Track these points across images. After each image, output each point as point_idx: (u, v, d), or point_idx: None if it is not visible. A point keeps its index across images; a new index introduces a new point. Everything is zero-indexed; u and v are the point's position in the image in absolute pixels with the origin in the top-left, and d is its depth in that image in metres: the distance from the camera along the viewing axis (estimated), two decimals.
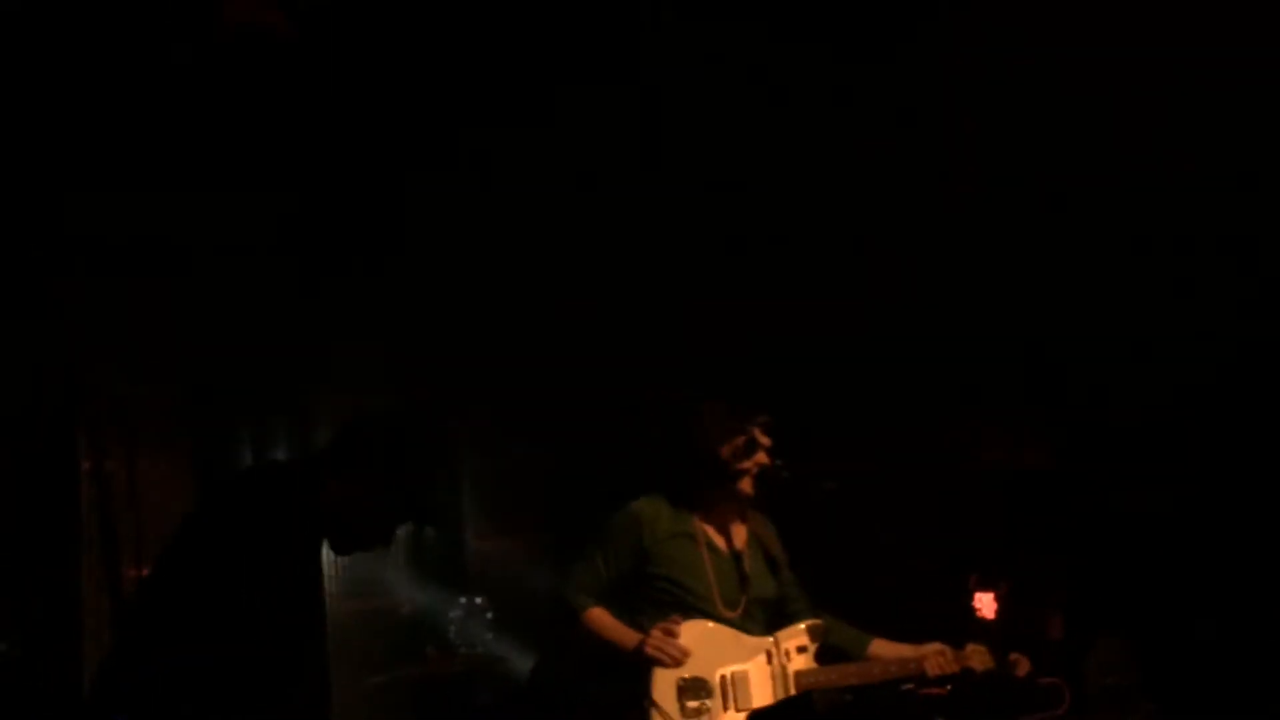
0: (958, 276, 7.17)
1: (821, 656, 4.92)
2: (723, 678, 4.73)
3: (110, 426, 6.08)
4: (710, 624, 4.78)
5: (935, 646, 4.90)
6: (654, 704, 4.61)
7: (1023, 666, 4.89)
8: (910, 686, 5.01)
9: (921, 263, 7.18)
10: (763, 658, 4.80)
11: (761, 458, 4.89)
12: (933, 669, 4.84)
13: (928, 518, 7.07)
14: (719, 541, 4.94)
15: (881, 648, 4.99)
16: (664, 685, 4.66)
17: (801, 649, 4.84)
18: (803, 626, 4.87)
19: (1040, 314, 6.99)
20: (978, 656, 4.93)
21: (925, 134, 6.49)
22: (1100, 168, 6.52)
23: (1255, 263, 6.57)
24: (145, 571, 5.71)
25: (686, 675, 4.68)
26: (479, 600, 7.23)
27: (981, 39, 5.90)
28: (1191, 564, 6.65)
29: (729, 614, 4.83)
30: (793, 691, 4.75)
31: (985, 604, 5.97)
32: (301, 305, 6.82)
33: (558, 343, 7.34)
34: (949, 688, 4.93)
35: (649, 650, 4.67)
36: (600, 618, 4.80)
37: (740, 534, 4.99)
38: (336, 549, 3.74)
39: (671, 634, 4.68)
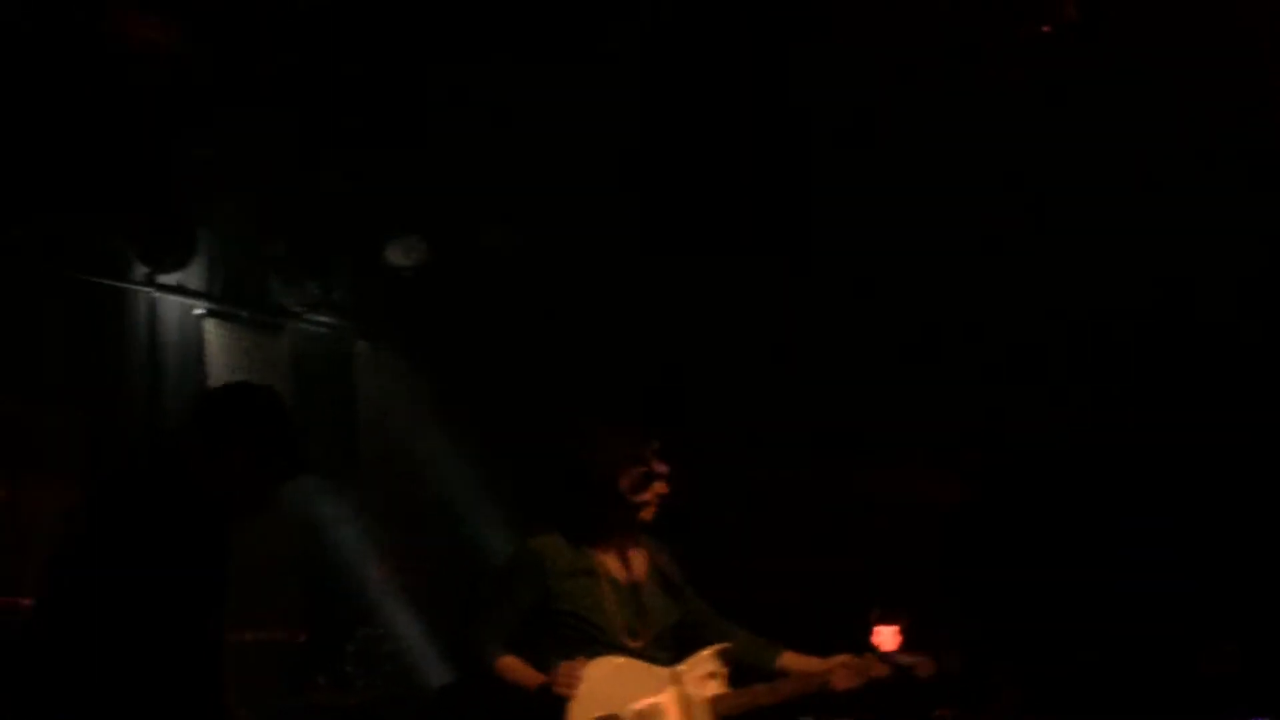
0: (873, 314, 7.24)
1: (735, 672, 4.87)
2: (637, 714, 4.68)
3: None
4: (619, 659, 4.71)
5: (842, 658, 4.83)
6: None
7: (924, 667, 4.84)
8: (809, 719, 5.00)
9: (840, 298, 7.25)
10: (673, 689, 4.74)
11: (660, 487, 4.84)
12: (839, 682, 4.79)
13: (830, 551, 7.10)
14: (619, 573, 4.88)
15: (791, 660, 4.91)
16: None
17: (712, 675, 4.78)
18: (709, 652, 4.82)
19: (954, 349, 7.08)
20: (880, 665, 4.87)
21: None
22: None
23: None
24: (26, 603, 5.58)
25: (601, 714, 4.62)
26: (378, 631, 7.15)
27: None
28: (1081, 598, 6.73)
29: (634, 645, 4.77)
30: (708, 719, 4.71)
31: (886, 637, 5.97)
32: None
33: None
34: None
35: (558, 689, 4.61)
36: (509, 665, 4.70)
37: (639, 562, 4.93)
38: (229, 519, 3.71)
39: (575, 670, 4.61)
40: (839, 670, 4.80)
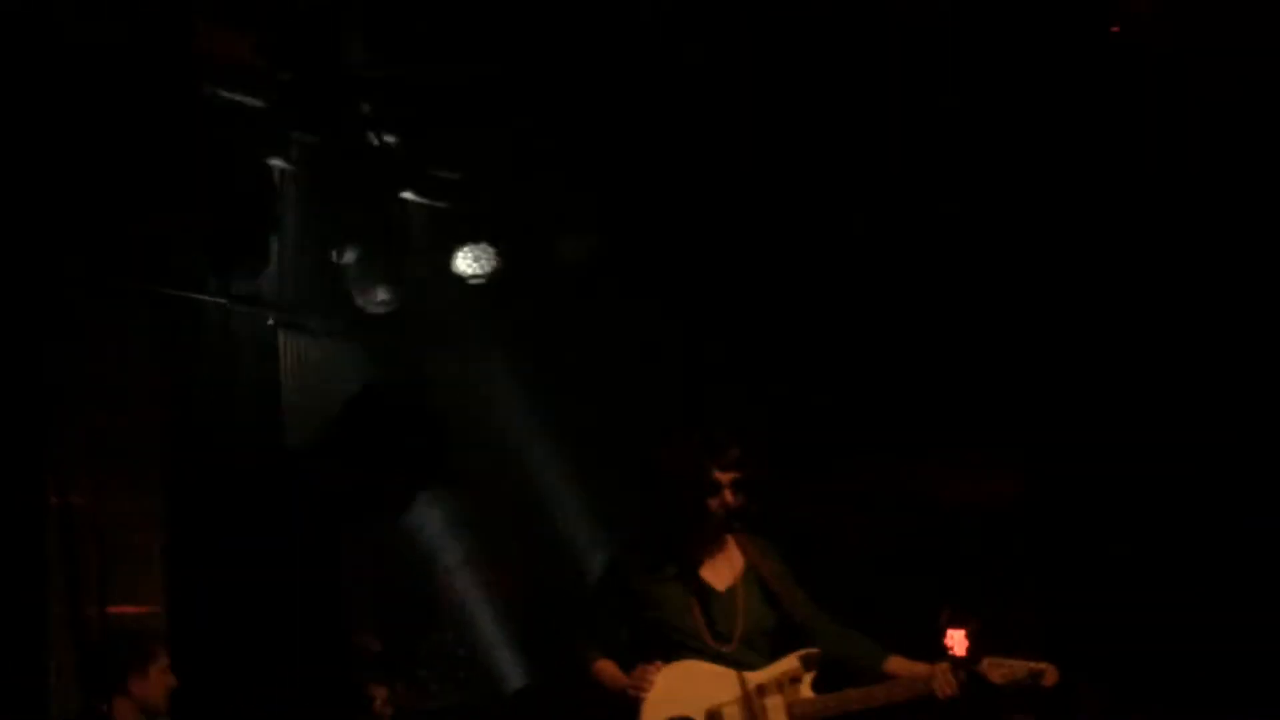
0: (933, 311, 7.22)
1: (836, 674, 4.85)
2: (709, 716, 4.72)
3: (79, 460, 6.04)
4: (698, 663, 4.78)
5: (948, 663, 4.76)
6: None
7: (1051, 675, 4.75)
8: None
9: (894, 297, 7.23)
10: (753, 693, 4.76)
11: (727, 497, 4.86)
12: (941, 689, 4.75)
13: (900, 553, 7.09)
14: (708, 577, 4.93)
15: (898, 665, 4.84)
16: None
17: (795, 679, 4.79)
18: (795, 656, 4.83)
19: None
20: (996, 670, 4.79)
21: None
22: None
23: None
24: (108, 610, 5.69)
25: (674, 716, 4.69)
26: (449, 636, 7.19)
27: None
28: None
29: (723, 649, 4.82)
30: None
31: (957, 641, 5.96)
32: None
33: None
34: None
35: (629, 690, 4.69)
36: (601, 669, 4.86)
37: (733, 565, 4.97)
38: (363, 523, 3.69)
39: (648, 673, 4.69)
40: (942, 676, 4.77)
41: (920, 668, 4.79)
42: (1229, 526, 6.72)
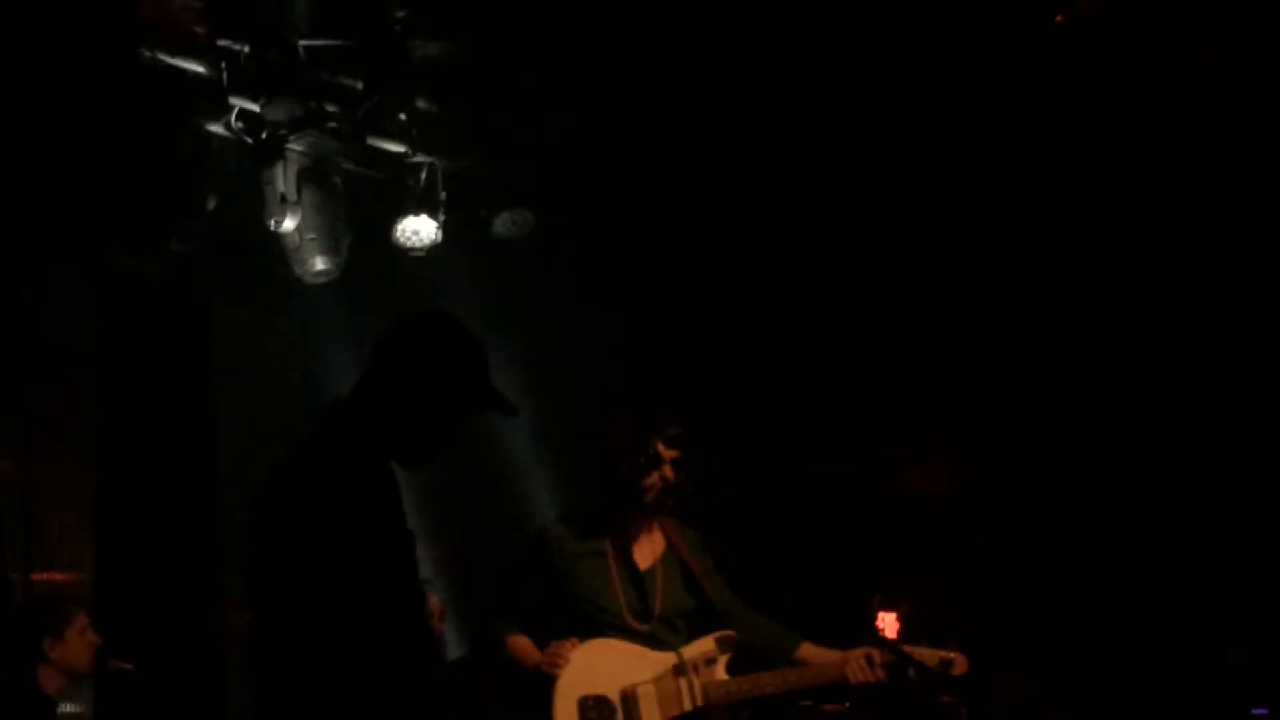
0: (879, 290, 7.25)
1: (749, 660, 4.87)
2: (624, 694, 4.71)
3: (7, 427, 5.98)
4: (614, 641, 4.77)
5: (862, 650, 4.82)
6: None
7: (960, 665, 4.80)
8: (808, 703, 4.99)
9: (844, 272, 7.26)
10: (669, 673, 4.77)
11: (667, 472, 4.86)
12: (854, 675, 4.78)
13: (834, 536, 7.11)
14: (632, 555, 4.93)
15: (810, 652, 4.90)
16: (565, 704, 4.64)
17: (710, 661, 4.81)
18: (711, 638, 4.85)
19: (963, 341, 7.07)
20: (916, 654, 4.82)
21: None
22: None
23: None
24: (34, 576, 5.64)
25: (588, 694, 4.67)
26: None
27: None
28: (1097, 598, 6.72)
29: (640, 627, 4.81)
30: (699, 703, 4.73)
31: (888, 624, 5.98)
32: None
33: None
34: (846, 705, 4.91)
35: (543, 666, 4.66)
36: (516, 645, 4.81)
37: (656, 546, 4.97)
38: (406, 467, 3.53)
39: (562, 650, 4.67)
40: (855, 662, 4.80)
41: (832, 654, 4.83)
42: (1175, 524, 6.79)
